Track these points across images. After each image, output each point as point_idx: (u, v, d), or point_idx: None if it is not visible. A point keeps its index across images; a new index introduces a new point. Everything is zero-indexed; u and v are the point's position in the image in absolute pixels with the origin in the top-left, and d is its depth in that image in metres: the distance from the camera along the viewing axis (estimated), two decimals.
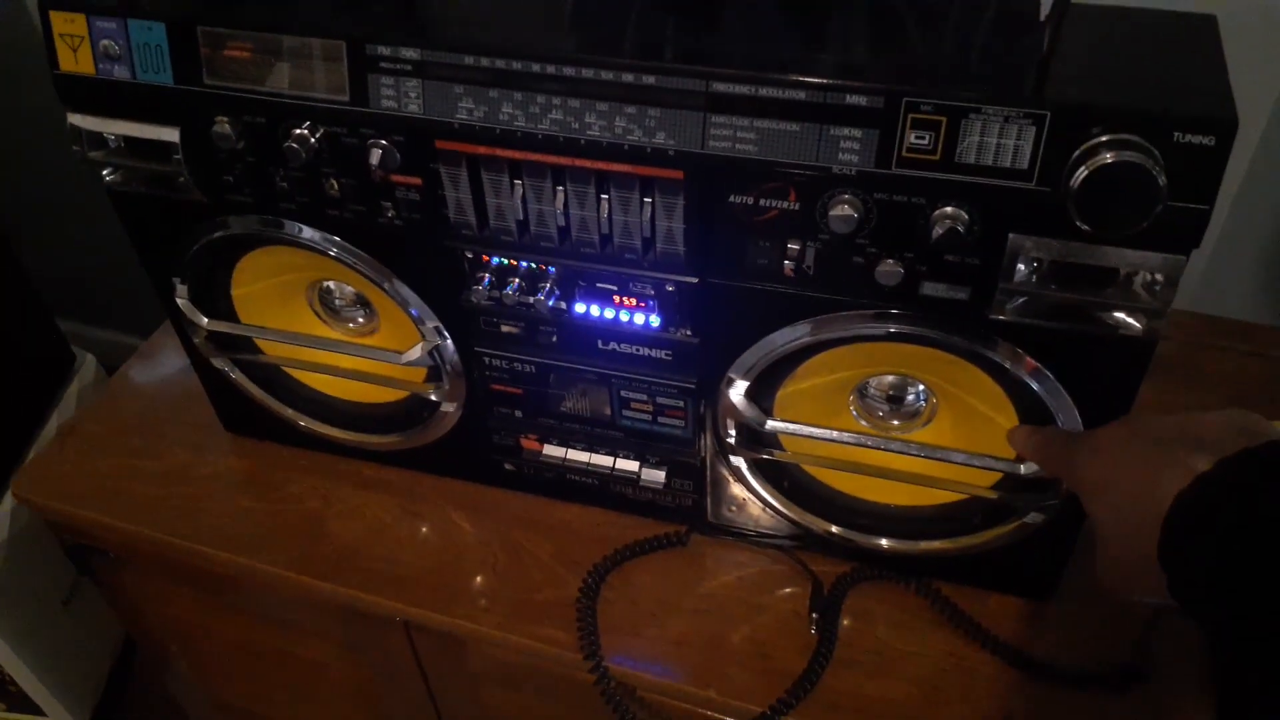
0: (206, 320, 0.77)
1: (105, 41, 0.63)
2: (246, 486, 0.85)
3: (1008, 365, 0.60)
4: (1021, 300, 0.57)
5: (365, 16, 0.61)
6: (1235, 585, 0.41)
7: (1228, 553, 0.42)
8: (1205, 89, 0.51)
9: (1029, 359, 0.60)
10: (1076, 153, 0.50)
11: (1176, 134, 0.49)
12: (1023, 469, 0.65)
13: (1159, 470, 0.47)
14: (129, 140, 0.67)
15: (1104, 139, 0.50)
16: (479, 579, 0.78)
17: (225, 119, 0.63)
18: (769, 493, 0.74)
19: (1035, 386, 0.60)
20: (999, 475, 0.68)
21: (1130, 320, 0.56)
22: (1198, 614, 0.44)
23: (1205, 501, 0.44)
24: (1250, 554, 0.41)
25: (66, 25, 0.63)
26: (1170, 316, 0.55)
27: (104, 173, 0.70)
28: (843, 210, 0.55)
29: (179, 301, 0.76)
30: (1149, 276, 0.54)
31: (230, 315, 0.79)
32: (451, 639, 0.78)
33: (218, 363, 0.82)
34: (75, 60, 0.64)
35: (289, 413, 0.84)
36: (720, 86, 0.54)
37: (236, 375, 0.82)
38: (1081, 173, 0.50)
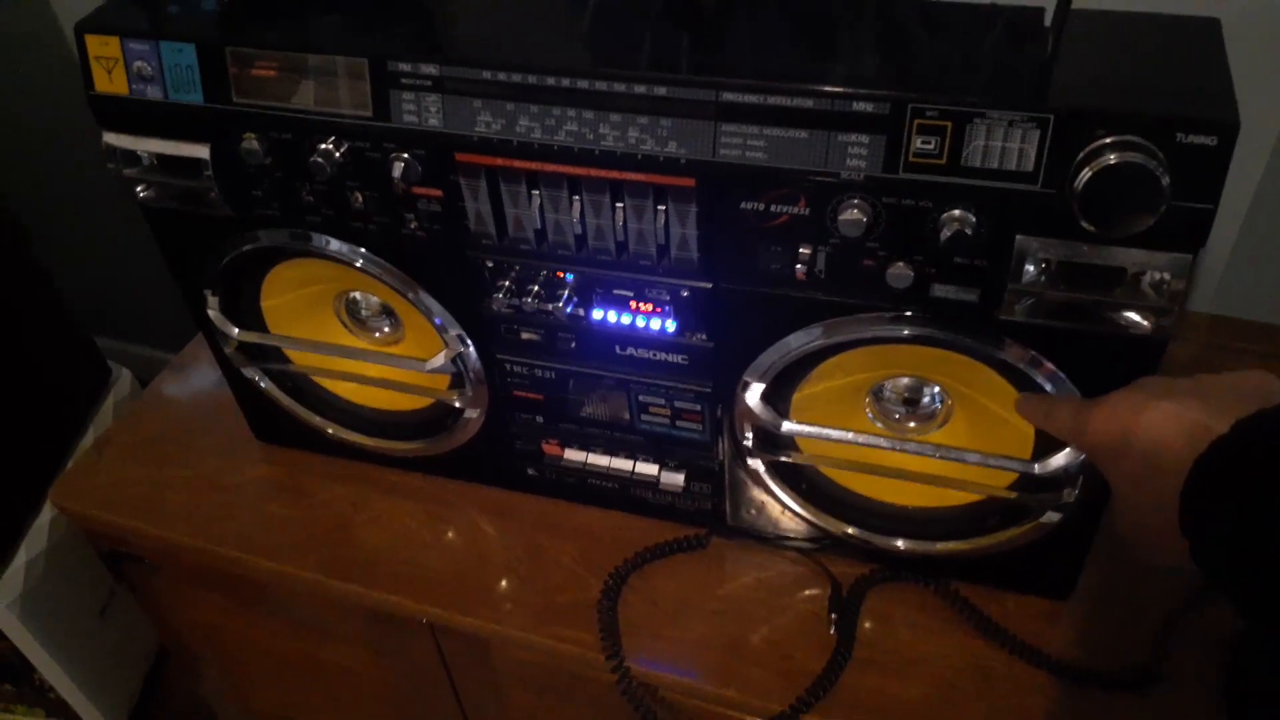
0: (237, 331, 0.79)
1: (138, 63, 0.65)
2: (276, 493, 0.87)
3: (1020, 365, 0.61)
4: (1030, 301, 0.58)
5: (387, 35, 0.63)
6: (1253, 550, 0.40)
7: (1245, 518, 0.41)
8: (1207, 91, 0.52)
9: (1040, 359, 0.60)
10: (1081, 155, 0.51)
11: (1179, 135, 0.50)
12: (1037, 468, 0.66)
13: (1176, 435, 0.46)
14: (161, 158, 0.69)
15: (1108, 141, 0.51)
16: (503, 582, 0.79)
17: (253, 136, 0.66)
18: (787, 495, 0.75)
19: (1048, 386, 0.61)
20: (1015, 475, 0.69)
21: (1139, 319, 0.56)
22: (1220, 580, 0.43)
23: (1222, 467, 0.43)
24: (1267, 518, 0.40)
25: (101, 48, 0.66)
26: (1188, 318, 0.56)
27: (138, 189, 0.72)
28: (852, 215, 0.56)
29: (210, 313, 0.79)
30: (1156, 276, 0.54)
31: (260, 326, 0.81)
32: (476, 640, 0.79)
33: (248, 372, 0.84)
34: (110, 81, 0.67)
35: (317, 421, 0.86)
36: (730, 96, 0.56)
37: (266, 385, 0.85)
38: (1086, 174, 0.51)
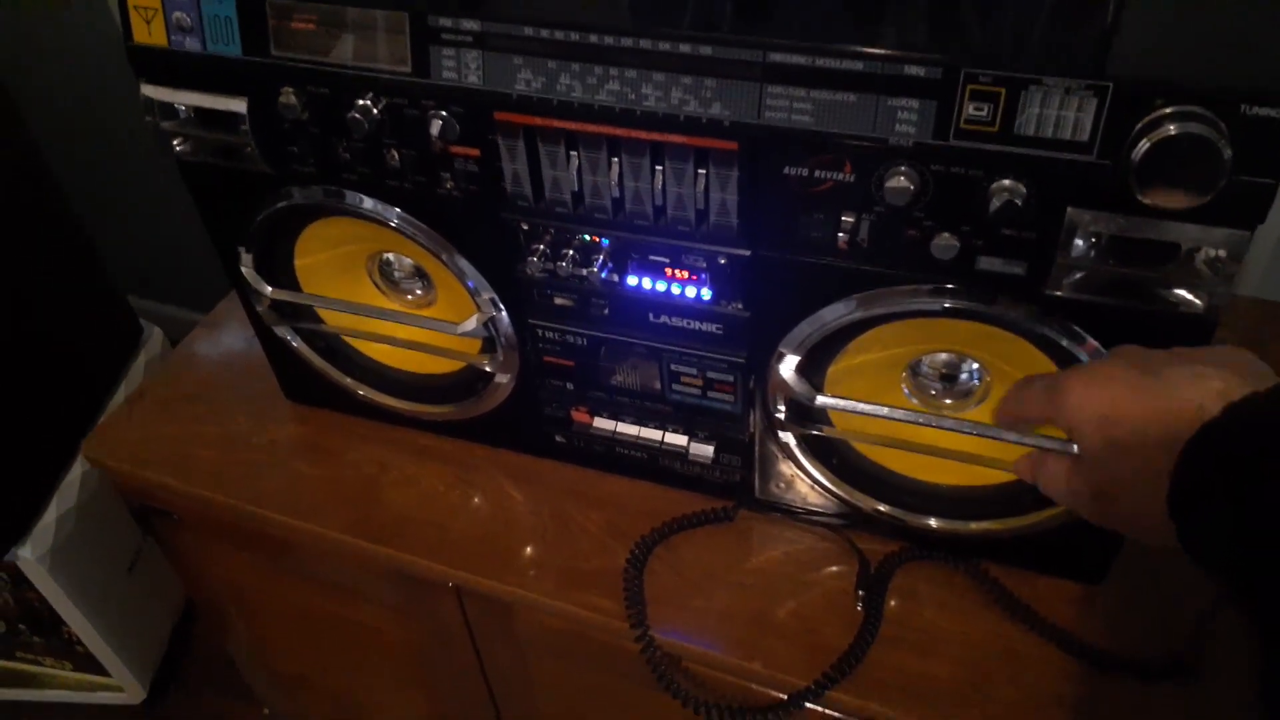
0: (270, 289, 0.79)
1: (177, 14, 0.65)
2: (305, 453, 0.87)
3: (1064, 342, 0.60)
4: (1079, 276, 0.56)
5: None
6: (1251, 543, 0.39)
7: (1242, 508, 0.40)
8: (1273, 62, 0.50)
9: (1086, 336, 0.59)
10: (1139, 125, 0.50)
11: (1243, 106, 0.48)
12: (1076, 449, 0.65)
13: (1165, 413, 0.45)
14: (199, 111, 0.69)
15: (1168, 111, 0.49)
16: (529, 548, 0.79)
17: (291, 90, 0.65)
18: (817, 469, 0.74)
19: None
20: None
21: (1191, 297, 0.55)
22: (1209, 568, 0.43)
23: (1215, 451, 0.42)
24: (1266, 510, 0.39)
25: None
26: (1233, 303, 0.54)
27: (174, 143, 0.72)
28: (899, 182, 0.55)
29: (244, 270, 0.78)
30: (1211, 253, 0.53)
31: (293, 285, 0.81)
32: (501, 605, 0.79)
33: (280, 331, 0.84)
34: (149, 32, 0.66)
35: (348, 382, 0.86)
36: (777, 57, 0.54)
37: (298, 344, 0.85)
38: (1144, 145, 0.49)
